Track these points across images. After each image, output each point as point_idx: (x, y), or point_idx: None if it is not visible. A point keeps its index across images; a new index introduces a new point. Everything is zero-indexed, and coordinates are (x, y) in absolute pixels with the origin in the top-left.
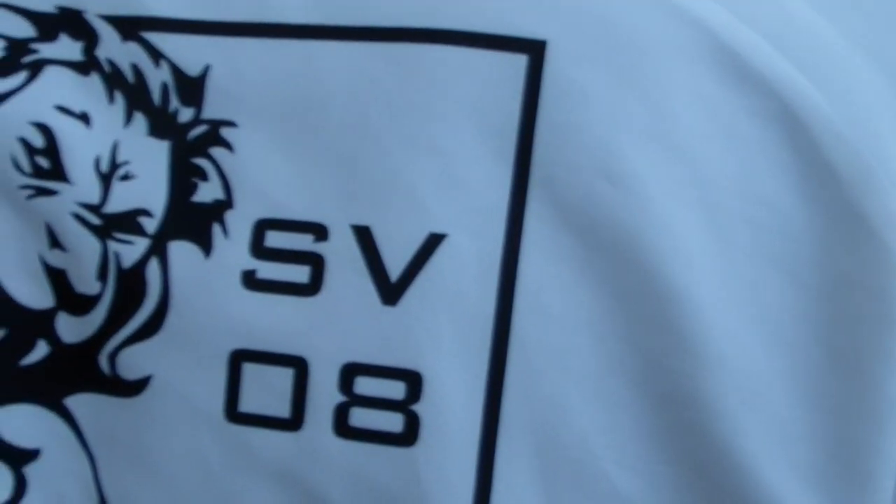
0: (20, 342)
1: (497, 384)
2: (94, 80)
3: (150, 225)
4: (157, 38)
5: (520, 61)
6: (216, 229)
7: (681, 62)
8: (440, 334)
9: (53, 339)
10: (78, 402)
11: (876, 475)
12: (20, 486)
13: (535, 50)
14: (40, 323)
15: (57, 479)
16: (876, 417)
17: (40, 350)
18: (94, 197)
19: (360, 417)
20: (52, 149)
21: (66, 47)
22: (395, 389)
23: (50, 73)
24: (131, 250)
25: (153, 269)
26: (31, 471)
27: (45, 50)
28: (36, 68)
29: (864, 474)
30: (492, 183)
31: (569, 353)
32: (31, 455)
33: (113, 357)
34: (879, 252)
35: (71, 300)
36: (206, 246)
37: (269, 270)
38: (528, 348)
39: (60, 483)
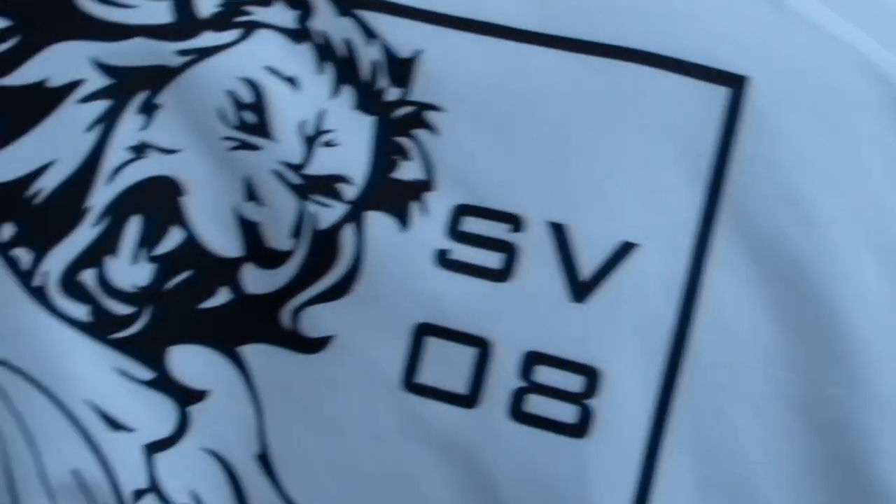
0: (202, 286)
1: (668, 391)
2: (305, 49)
3: (350, 192)
4: (371, 18)
5: (721, 93)
6: (414, 207)
7: (870, 115)
8: (622, 337)
9: (236, 287)
10: (252, 352)
11: None
12: (183, 424)
13: (736, 84)
14: (225, 270)
15: (220, 422)
16: None
17: (221, 296)
18: (296, 157)
19: (536, 404)
20: (259, 105)
21: (281, 14)
22: (572, 382)
23: (262, 35)
24: (328, 213)
25: (348, 233)
26: (195, 411)
27: (260, 13)
28: (249, 28)
29: None
30: (684, 202)
31: (739, 371)
32: (199, 395)
33: (296, 313)
34: None
35: (260, 253)
36: (404, 220)
37: (462, 252)
38: (702, 361)
39: (223, 427)
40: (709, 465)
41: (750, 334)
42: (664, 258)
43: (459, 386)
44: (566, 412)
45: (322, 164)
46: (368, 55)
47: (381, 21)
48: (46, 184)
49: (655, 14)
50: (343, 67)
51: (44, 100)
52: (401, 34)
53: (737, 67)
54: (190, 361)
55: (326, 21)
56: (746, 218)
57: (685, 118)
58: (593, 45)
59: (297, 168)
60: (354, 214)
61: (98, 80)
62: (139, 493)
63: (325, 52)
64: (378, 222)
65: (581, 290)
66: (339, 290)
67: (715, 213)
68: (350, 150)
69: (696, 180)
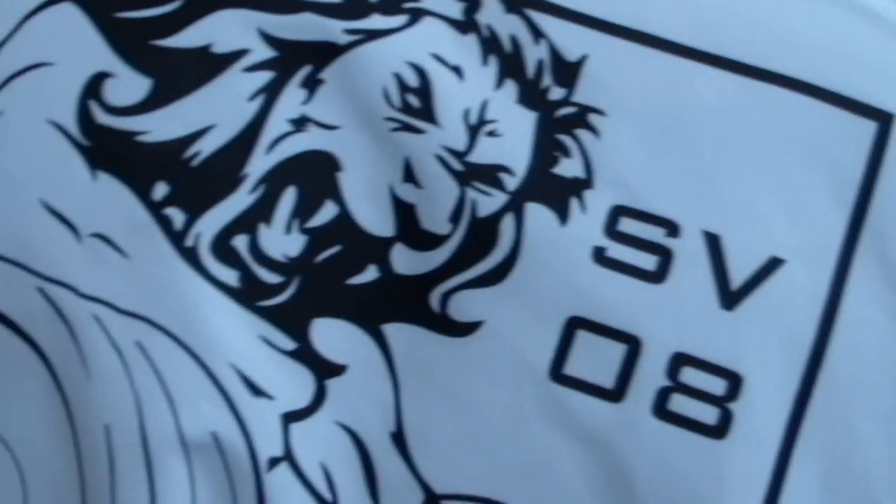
0: (352, 261)
1: (803, 402)
2: (471, 41)
3: (511, 183)
4: (540, 18)
5: (868, 126)
6: (574, 202)
7: None
8: (765, 347)
9: (385, 266)
10: (395, 331)
11: None
12: (319, 397)
13: (883, 119)
14: (375, 248)
15: (357, 398)
16: None
17: (369, 273)
18: (459, 144)
19: (679, 404)
20: (424, 90)
21: (447, 4)
22: (716, 385)
23: (428, 23)
24: (488, 201)
25: (508, 223)
26: (333, 385)
27: (427, 1)
28: (416, 15)
29: None
30: (829, 224)
31: (871, 389)
32: (338, 369)
33: (446, 296)
34: None
35: (414, 234)
36: (563, 215)
37: (618, 251)
38: (837, 376)
39: (359, 403)
40: (834, 477)
41: (883, 355)
42: (808, 275)
43: (607, 380)
44: (707, 413)
45: (485, 152)
46: (535, 53)
47: (549, 23)
48: (204, 147)
49: (814, 46)
50: (508, 62)
51: (208, 64)
52: (568, 37)
53: (886, 105)
54: (332, 335)
55: (493, 16)
56: (888, 245)
57: (833, 147)
58: (754, 69)
59: (459, 155)
60: (515, 205)
61: (263, 51)
62: (274, 461)
63: (490, 45)
64: (538, 214)
65: (730, 298)
66: (493, 277)
67: (857, 237)
68: (512, 142)
69: (842, 205)
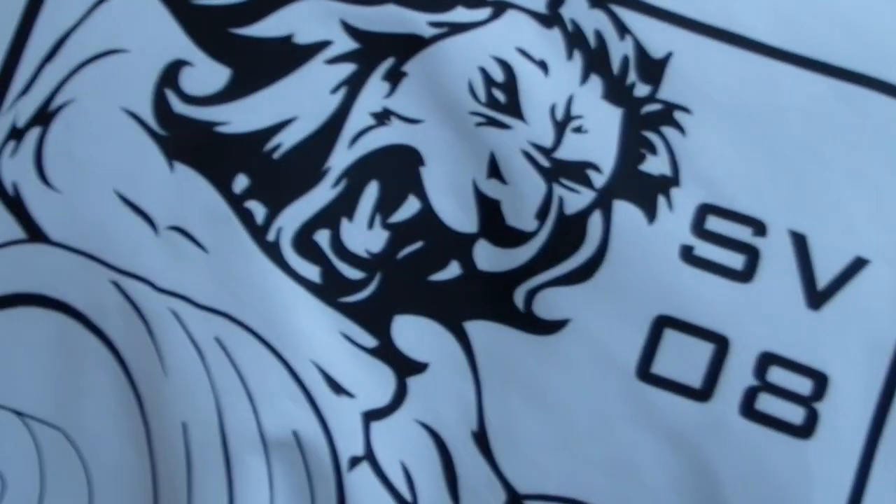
0: (434, 258)
1: (888, 400)
2: (556, 35)
3: (598, 180)
4: (625, 14)
5: None
6: (661, 201)
7: None
8: (850, 346)
9: (468, 263)
10: (477, 328)
11: None
12: (400, 395)
13: None
14: (458, 244)
15: (438, 396)
16: None
17: (452, 270)
18: (546, 140)
19: (766, 403)
20: (511, 85)
21: None
22: (802, 385)
23: (512, 16)
24: (576, 199)
25: (595, 220)
26: (414, 382)
27: None
28: (499, 9)
29: None
30: None
31: None
32: (419, 367)
33: (532, 294)
34: None
35: (498, 231)
36: (651, 213)
37: (706, 250)
38: None
39: (441, 401)
40: None
41: None
42: (893, 275)
43: (695, 380)
44: (794, 413)
45: (572, 149)
46: (620, 49)
47: (634, 19)
48: (286, 140)
49: None
50: (593, 57)
51: (289, 55)
52: (654, 34)
53: None
54: (414, 332)
55: (578, 10)
56: None
57: None
58: (840, 70)
59: (547, 151)
60: (603, 202)
61: (346, 43)
62: (355, 460)
63: (575, 39)
64: (626, 212)
65: (817, 298)
66: (580, 275)
67: None
68: (599, 138)
69: None
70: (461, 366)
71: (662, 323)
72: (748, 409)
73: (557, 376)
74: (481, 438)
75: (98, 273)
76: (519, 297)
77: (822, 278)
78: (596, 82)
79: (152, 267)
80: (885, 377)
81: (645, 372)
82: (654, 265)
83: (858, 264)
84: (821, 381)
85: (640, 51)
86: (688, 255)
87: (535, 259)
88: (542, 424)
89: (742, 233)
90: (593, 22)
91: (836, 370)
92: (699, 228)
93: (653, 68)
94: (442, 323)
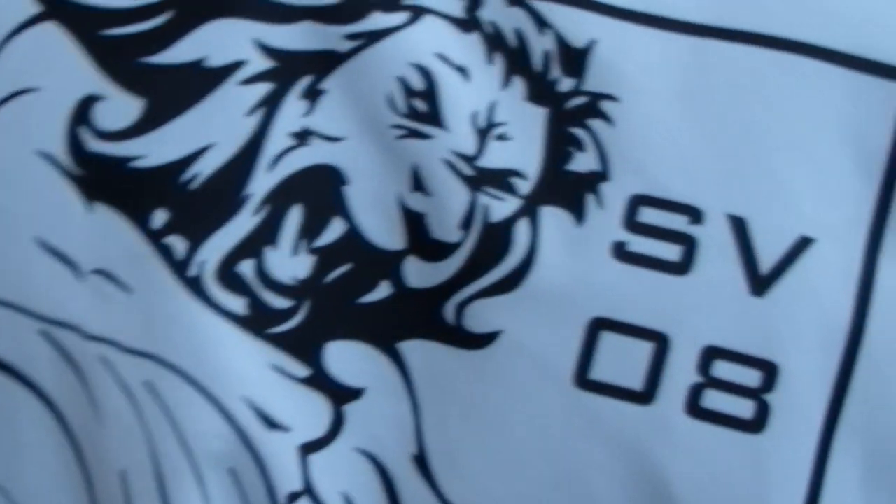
0: (363, 279)
1: (843, 385)
2: (475, 39)
3: (523, 187)
4: (544, 7)
5: (894, 89)
6: (590, 199)
7: None
8: (800, 331)
9: (398, 281)
10: (411, 348)
11: None
12: (337, 424)
13: None
14: (386, 263)
15: (376, 422)
16: None
17: (382, 290)
18: (469, 148)
19: (713, 400)
20: (431, 93)
21: (448, 1)
22: (750, 377)
23: (430, 21)
24: (501, 206)
25: (522, 228)
26: (350, 410)
27: None
28: (416, 13)
29: None
30: (858, 197)
31: None
32: (354, 394)
33: (461, 307)
34: None
35: (424, 245)
36: (579, 214)
37: (640, 244)
38: (876, 356)
39: (378, 426)
40: (878, 458)
41: None
42: (840, 252)
43: (635, 382)
44: (743, 407)
45: (496, 157)
46: (541, 45)
47: (553, 11)
48: (203, 168)
49: (833, 10)
50: (514, 58)
51: (202, 80)
52: (574, 24)
53: None
54: (347, 358)
55: (496, 11)
56: None
57: (858, 114)
58: (771, 38)
59: (469, 159)
60: (529, 209)
61: (260, 63)
62: (294, 496)
63: (494, 42)
64: (553, 217)
65: (760, 284)
66: (509, 284)
67: (888, 208)
68: (522, 143)
69: (870, 176)
70: (397, 388)
71: (598, 326)
72: (694, 407)
73: (493, 391)
74: (422, 462)
75: (25, 325)
76: (449, 311)
77: (766, 262)
78: (518, 84)
79: (79, 313)
80: (840, 359)
81: (583, 379)
82: (586, 267)
83: (803, 244)
84: (770, 372)
85: (562, 44)
86: (620, 251)
87: (462, 271)
88: (483, 443)
89: (677, 222)
90: (512, 21)
91: (785, 358)
92: (631, 222)
93: (576, 60)
94: (375, 346)
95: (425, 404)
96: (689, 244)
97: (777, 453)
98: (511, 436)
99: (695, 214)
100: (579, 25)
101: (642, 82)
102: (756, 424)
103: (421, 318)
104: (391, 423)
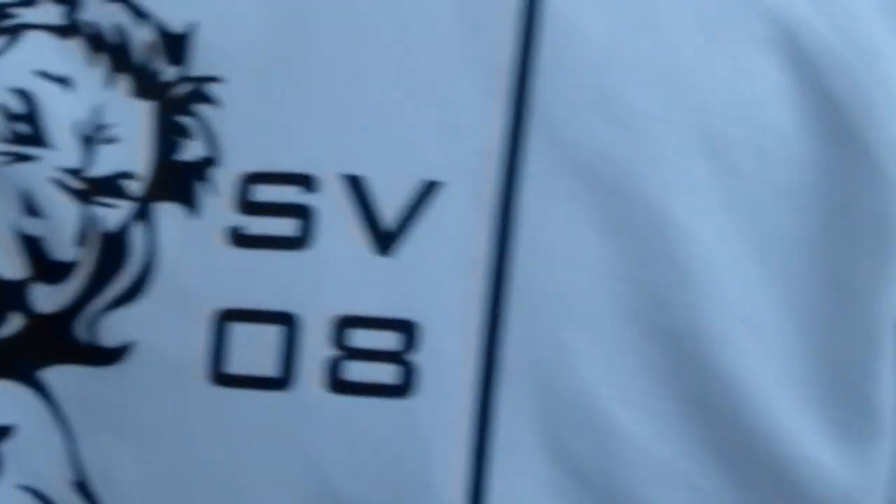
0: None
1: (494, 329)
2: (75, 44)
3: (135, 187)
4: None
5: None
6: (201, 187)
7: None
8: (437, 282)
9: (27, 310)
10: (54, 375)
11: (874, 398)
12: None
13: None
14: (14, 294)
15: (32, 456)
16: (871, 340)
17: (13, 323)
18: (74, 161)
19: (355, 371)
20: (31, 114)
21: (47, 12)
22: (389, 340)
23: (29, 38)
24: (115, 214)
25: (137, 231)
26: (5, 449)
27: (26, 14)
28: (15, 33)
29: (862, 397)
30: (486, 124)
31: (569, 293)
32: (6, 432)
33: (92, 324)
34: (877, 178)
35: (46, 269)
36: (191, 205)
37: (256, 226)
38: (527, 291)
39: (36, 460)
40: (549, 396)
41: (575, 251)
42: (472, 189)
43: (269, 369)
44: (387, 373)
45: (104, 162)
46: (141, 37)
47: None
48: None
49: None
50: (117, 55)
51: None
52: (174, 9)
53: None
54: None
55: (95, 10)
56: (558, 129)
57: (474, 29)
58: None
59: (77, 172)
60: (142, 210)
61: None
62: None
63: (95, 42)
64: (167, 213)
65: (385, 241)
66: (133, 292)
67: (522, 130)
68: (132, 142)
69: (497, 98)
70: (47, 418)
71: (224, 317)
72: (335, 382)
73: (137, 404)
74: (83, 487)
75: None
76: (80, 331)
77: (388, 217)
78: (123, 81)
79: None
80: (486, 304)
81: (219, 375)
82: (204, 259)
83: (428, 189)
84: (410, 331)
85: (162, 32)
86: (235, 236)
87: (87, 287)
88: (137, 458)
89: (290, 194)
90: (111, 17)
91: (424, 313)
92: (245, 204)
93: (177, 46)
94: (16, 380)
95: (78, 428)
96: (305, 215)
97: (431, 413)
98: (159, 446)
99: (307, 182)
100: (179, 9)
101: (245, 57)
102: (403, 388)
103: (56, 343)
104: (47, 454)
